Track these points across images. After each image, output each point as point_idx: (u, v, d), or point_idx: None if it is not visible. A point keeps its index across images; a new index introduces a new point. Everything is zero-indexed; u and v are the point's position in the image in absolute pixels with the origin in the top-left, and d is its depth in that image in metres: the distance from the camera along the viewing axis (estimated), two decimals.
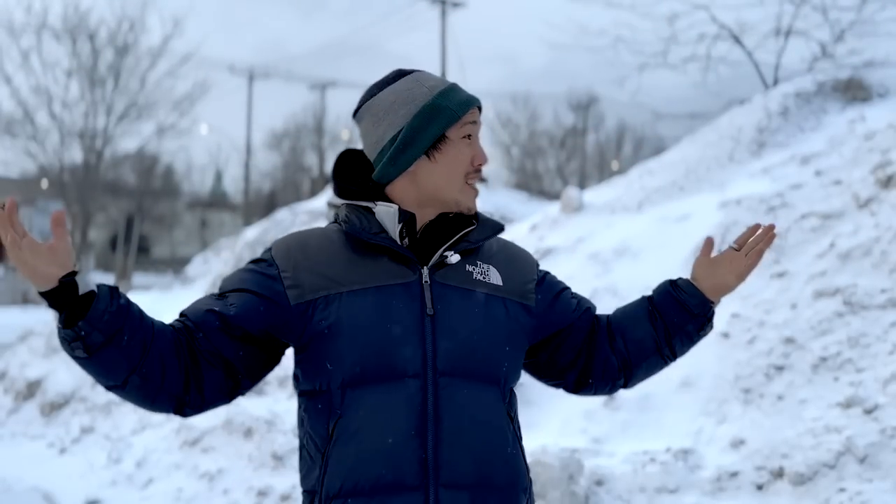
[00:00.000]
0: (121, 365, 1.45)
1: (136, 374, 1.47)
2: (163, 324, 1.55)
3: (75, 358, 1.45)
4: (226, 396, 1.60)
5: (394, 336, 1.54)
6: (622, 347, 1.76)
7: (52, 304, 1.43)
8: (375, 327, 1.54)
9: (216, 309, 1.57)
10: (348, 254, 1.61)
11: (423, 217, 1.65)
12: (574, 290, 1.84)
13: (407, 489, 1.48)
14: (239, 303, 1.57)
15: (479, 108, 1.69)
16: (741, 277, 1.74)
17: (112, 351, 1.43)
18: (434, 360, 1.54)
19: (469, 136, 1.66)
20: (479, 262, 1.66)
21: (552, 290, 1.76)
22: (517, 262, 1.74)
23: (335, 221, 1.68)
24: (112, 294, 1.44)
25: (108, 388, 1.51)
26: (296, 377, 1.63)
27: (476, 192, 1.68)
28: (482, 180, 1.74)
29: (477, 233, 1.67)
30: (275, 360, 1.65)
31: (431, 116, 1.63)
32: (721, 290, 1.75)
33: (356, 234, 1.60)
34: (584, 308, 1.79)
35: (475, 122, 1.67)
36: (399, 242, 1.61)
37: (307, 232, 1.68)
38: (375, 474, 1.49)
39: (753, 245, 1.74)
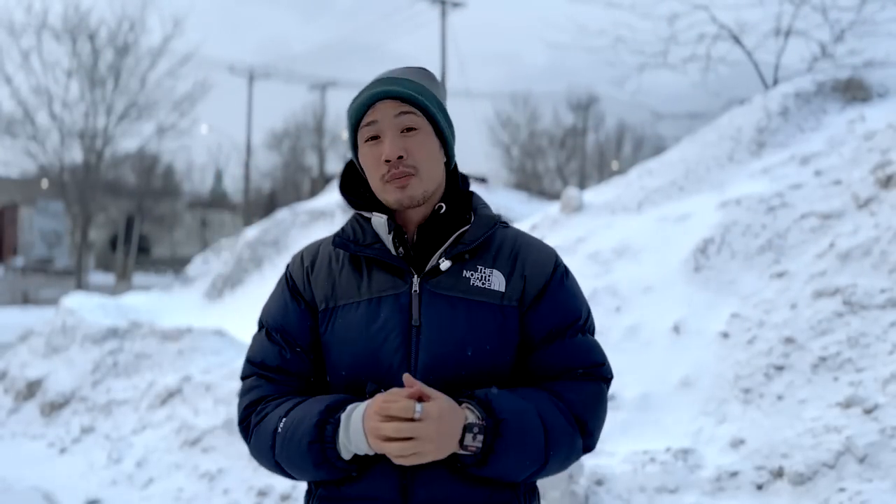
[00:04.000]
0: None
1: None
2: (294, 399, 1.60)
3: (334, 466, 1.49)
4: None
5: (380, 348, 1.53)
6: None
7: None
8: (362, 339, 1.54)
9: (276, 346, 1.62)
10: (348, 266, 1.62)
11: (413, 218, 1.62)
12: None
13: (384, 503, 1.50)
14: (285, 321, 1.63)
15: (399, 97, 1.56)
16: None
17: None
18: (415, 373, 1.51)
19: (372, 137, 1.58)
20: (479, 267, 1.58)
21: (549, 299, 1.61)
22: (528, 262, 1.62)
23: None
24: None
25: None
26: None
27: (399, 185, 1.56)
28: (405, 174, 1.56)
29: (471, 232, 1.60)
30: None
31: (347, 123, 1.65)
32: None
33: (344, 247, 1.61)
34: (561, 355, 1.58)
35: (373, 123, 1.57)
36: (394, 251, 1.59)
37: (321, 242, 1.71)
38: (360, 484, 1.52)
39: None
